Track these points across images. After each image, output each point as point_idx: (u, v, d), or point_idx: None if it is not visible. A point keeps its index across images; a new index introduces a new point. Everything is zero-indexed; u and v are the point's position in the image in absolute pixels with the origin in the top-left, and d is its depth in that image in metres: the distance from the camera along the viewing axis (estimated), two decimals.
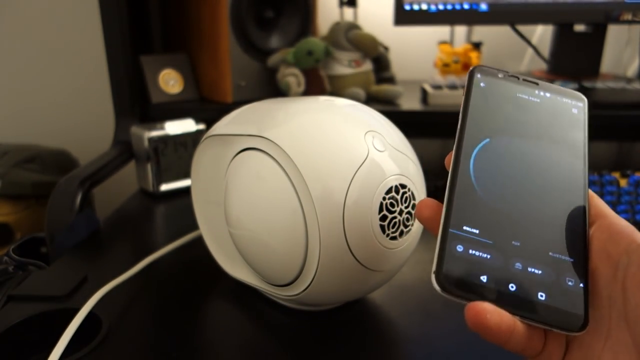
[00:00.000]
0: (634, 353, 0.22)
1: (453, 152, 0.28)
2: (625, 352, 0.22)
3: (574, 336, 0.25)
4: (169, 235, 0.56)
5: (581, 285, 0.25)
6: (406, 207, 0.36)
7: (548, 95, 0.31)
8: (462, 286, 0.24)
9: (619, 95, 0.73)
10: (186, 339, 0.39)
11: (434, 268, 0.24)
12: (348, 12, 0.93)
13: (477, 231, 0.25)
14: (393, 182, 0.36)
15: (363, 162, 0.35)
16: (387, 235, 0.36)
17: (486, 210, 0.26)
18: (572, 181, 0.28)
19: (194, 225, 0.49)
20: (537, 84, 0.31)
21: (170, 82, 0.82)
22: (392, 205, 0.36)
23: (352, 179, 0.35)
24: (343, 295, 0.40)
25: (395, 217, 0.36)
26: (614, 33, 0.93)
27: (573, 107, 0.31)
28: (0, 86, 1.06)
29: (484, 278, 0.24)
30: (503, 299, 0.23)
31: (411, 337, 0.39)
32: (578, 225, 0.26)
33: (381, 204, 0.35)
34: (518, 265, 0.25)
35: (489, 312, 0.22)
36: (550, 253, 0.25)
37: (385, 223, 0.36)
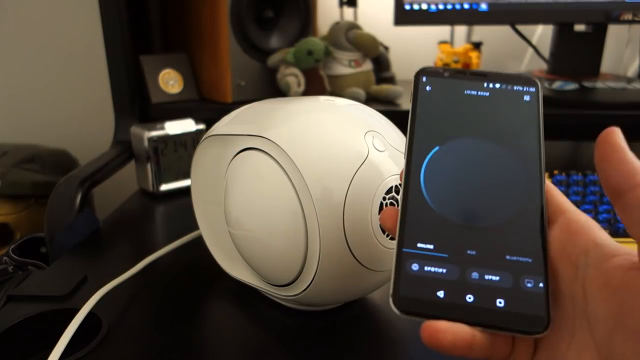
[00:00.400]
0: (596, 355, 0.22)
1: (404, 165, 0.27)
2: (588, 352, 0.22)
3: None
4: (169, 235, 0.56)
5: (541, 285, 0.24)
6: None
7: (497, 86, 0.30)
8: (420, 305, 0.24)
9: (619, 95, 0.73)
10: (186, 339, 0.39)
11: (391, 291, 0.24)
12: (348, 12, 0.93)
13: (431, 246, 0.25)
14: (393, 182, 0.36)
15: (363, 162, 0.35)
16: (387, 235, 0.36)
17: (440, 223, 0.26)
18: (527, 178, 0.27)
19: (194, 225, 0.49)
20: (485, 75, 0.30)
21: (170, 82, 0.82)
22: (392, 205, 0.36)
23: (352, 179, 0.35)
24: (343, 295, 0.40)
25: None
26: (614, 33, 0.93)
27: (525, 94, 0.29)
28: (0, 86, 1.06)
29: (440, 294, 0.24)
30: (461, 312, 0.23)
31: (411, 337, 0.39)
32: (535, 224, 0.26)
33: (381, 204, 0.35)
34: (474, 275, 0.24)
35: (442, 331, 0.22)
36: (507, 257, 0.25)
37: None
